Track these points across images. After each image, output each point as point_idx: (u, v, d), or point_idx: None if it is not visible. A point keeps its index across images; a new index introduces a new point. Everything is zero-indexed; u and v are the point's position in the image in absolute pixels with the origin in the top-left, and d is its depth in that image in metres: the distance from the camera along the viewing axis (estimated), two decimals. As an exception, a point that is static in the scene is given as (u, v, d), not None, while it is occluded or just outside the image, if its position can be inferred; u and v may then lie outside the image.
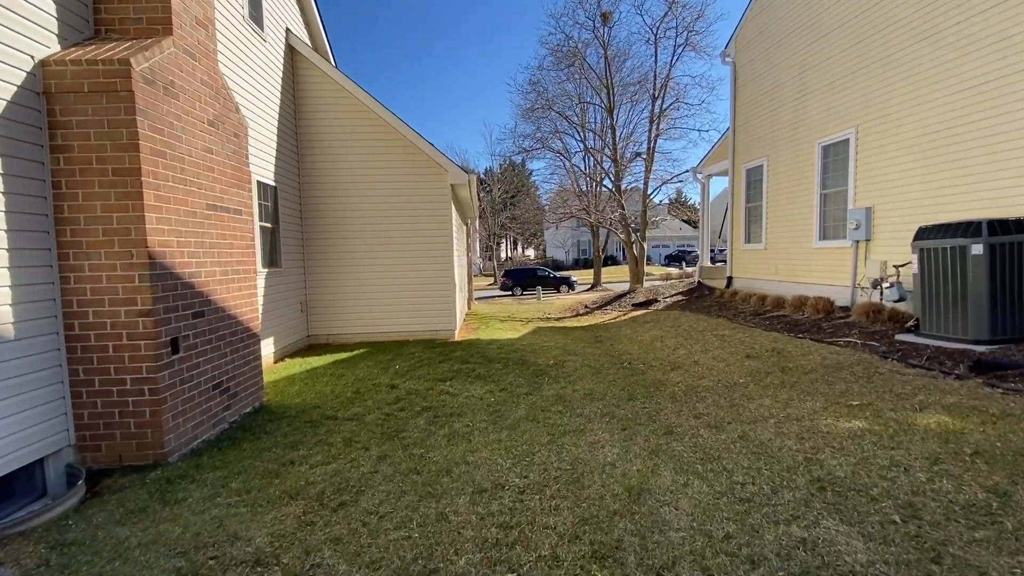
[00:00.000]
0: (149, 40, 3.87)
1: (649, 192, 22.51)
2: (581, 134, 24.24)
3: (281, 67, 8.52)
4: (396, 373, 6.60)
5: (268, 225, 7.76)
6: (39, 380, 3.45)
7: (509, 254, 57.32)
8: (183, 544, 2.72)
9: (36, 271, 3.45)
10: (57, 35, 3.65)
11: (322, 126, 9.20)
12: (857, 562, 2.30)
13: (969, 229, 5.40)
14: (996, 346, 5.19)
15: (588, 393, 5.45)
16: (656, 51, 21.39)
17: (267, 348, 7.52)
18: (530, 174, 48.11)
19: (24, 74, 3.39)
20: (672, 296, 14.29)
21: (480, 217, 39.50)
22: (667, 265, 43.35)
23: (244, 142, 5.11)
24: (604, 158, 23.28)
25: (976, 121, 6.20)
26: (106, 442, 3.71)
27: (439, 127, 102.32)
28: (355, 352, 8.29)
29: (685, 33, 20.71)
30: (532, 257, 58.49)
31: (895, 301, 6.96)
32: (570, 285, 28.39)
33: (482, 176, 46.47)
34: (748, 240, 12.01)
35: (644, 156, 22.37)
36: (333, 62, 10.78)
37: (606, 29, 21.43)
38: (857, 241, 8.09)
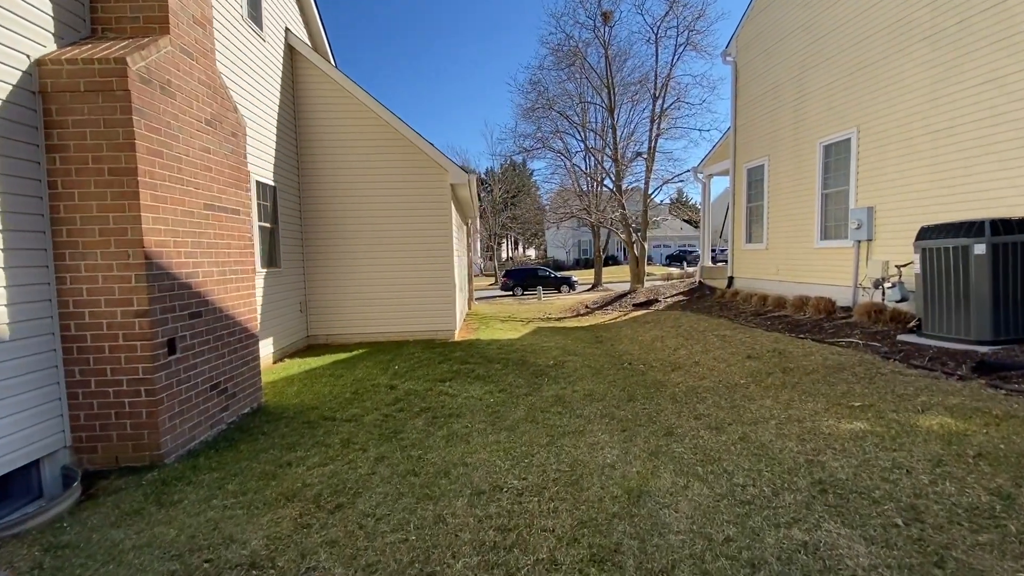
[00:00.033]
0: (146, 39, 3.85)
1: (650, 192, 22.48)
2: (582, 134, 24.21)
3: (280, 67, 8.50)
4: (395, 374, 6.58)
5: (267, 225, 7.74)
6: (35, 381, 3.43)
7: (510, 254, 57.30)
8: (178, 547, 2.70)
9: (32, 271, 3.43)
10: (53, 34, 3.63)
11: (322, 126, 9.18)
12: (859, 566, 2.27)
13: (972, 229, 5.36)
14: (999, 347, 5.16)
15: (588, 394, 5.42)
16: (657, 50, 21.37)
17: (266, 348, 7.50)
18: (531, 174, 48.06)
19: (20, 73, 3.37)
20: (673, 296, 14.25)
21: (481, 217, 39.48)
22: (668, 265, 43.29)
23: (242, 141, 5.09)
24: (605, 158, 23.25)
25: (979, 120, 6.17)
26: (102, 443, 3.69)
27: (439, 127, 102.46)
28: (354, 352, 8.26)
29: (686, 32, 20.70)
30: (533, 257, 58.47)
31: (897, 301, 6.92)
32: (571, 285, 28.35)
33: (483, 176, 46.44)
34: (749, 240, 11.97)
35: (645, 156, 22.33)
36: (333, 61, 10.77)
37: (607, 28, 21.40)
38: (859, 241, 8.05)
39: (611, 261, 47.30)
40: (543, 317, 14.99)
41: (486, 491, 3.21)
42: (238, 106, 6.56)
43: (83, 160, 3.53)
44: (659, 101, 21.43)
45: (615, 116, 22.30)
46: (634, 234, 21.54)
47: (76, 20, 3.82)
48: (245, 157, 5.15)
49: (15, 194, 3.30)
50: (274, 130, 8.14)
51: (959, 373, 4.77)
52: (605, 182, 23.98)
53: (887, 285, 7.16)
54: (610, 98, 21.97)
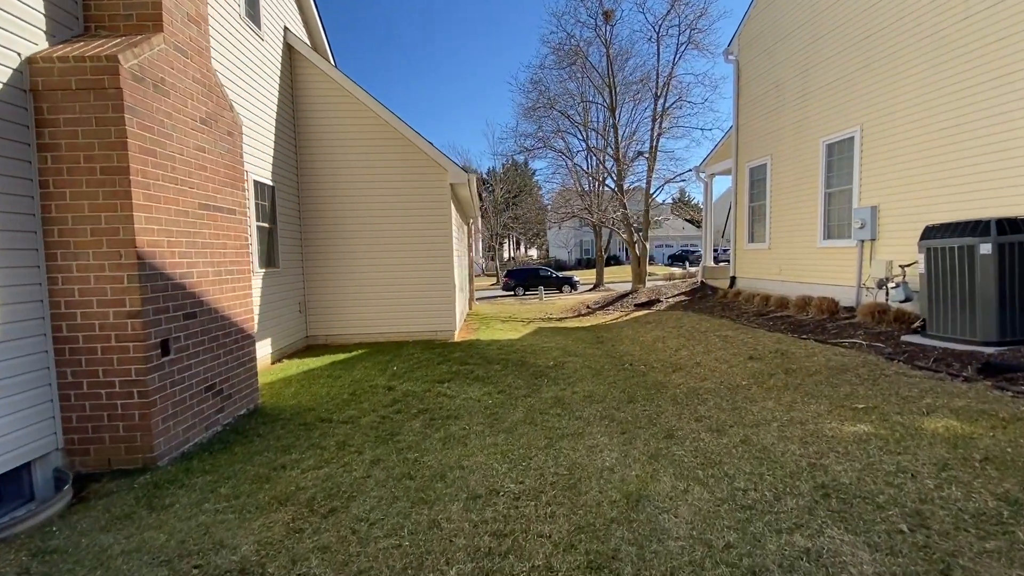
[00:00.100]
0: (139, 37, 3.80)
1: (651, 191, 22.36)
2: (583, 133, 24.11)
3: (279, 66, 8.46)
4: (394, 375, 6.53)
5: (265, 225, 7.70)
6: (27, 383, 3.39)
7: (512, 254, 57.26)
8: (167, 552, 2.65)
9: (23, 272, 3.39)
10: (45, 32, 3.59)
11: (321, 125, 9.13)
12: (863, 574, 2.21)
13: (977, 228, 5.29)
14: (1005, 348, 5.08)
15: (588, 395, 5.36)
16: (659, 49, 21.24)
17: (264, 349, 7.46)
18: (533, 174, 48.03)
19: (11, 71, 3.34)
20: (675, 296, 14.18)
21: (482, 217, 39.45)
22: (670, 265, 43.19)
23: (238, 140, 5.04)
24: (607, 157, 23.15)
25: (986, 118, 6.08)
26: (95, 446, 3.65)
27: (439, 127, 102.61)
28: (353, 353, 8.22)
29: (688, 31, 20.57)
30: (535, 257, 58.43)
31: (901, 301, 6.85)
32: (572, 285, 28.29)
33: (484, 176, 46.40)
34: (751, 240, 11.89)
35: (647, 155, 22.21)
36: (332, 61, 10.72)
37: (608, 27, 21.29)
38: (862, 240, 7.97)
39: (613, 261, 47.20)
40: (544, 317, 14.92)
41: (482, 495, 3.16)
42: (235, 105, 6.53)
43: (75, 159, 3.49)
44: (661, 100, 21.32)
45: (617, 115, 22.19)
46: (636, 234, 21.45)
47: (69, 18, 3.78)
48: (241, 156, 5.10)
49: (6, 193, 3.26)
50: (272, 129, 8.09)
51: (964, 375, 4.70)
52: (607, 181, 23.89)
53: (891, 285, 7.08)
54: (612, 97, 21.87)
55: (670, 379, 5.90)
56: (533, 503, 3.03)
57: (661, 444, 3.86)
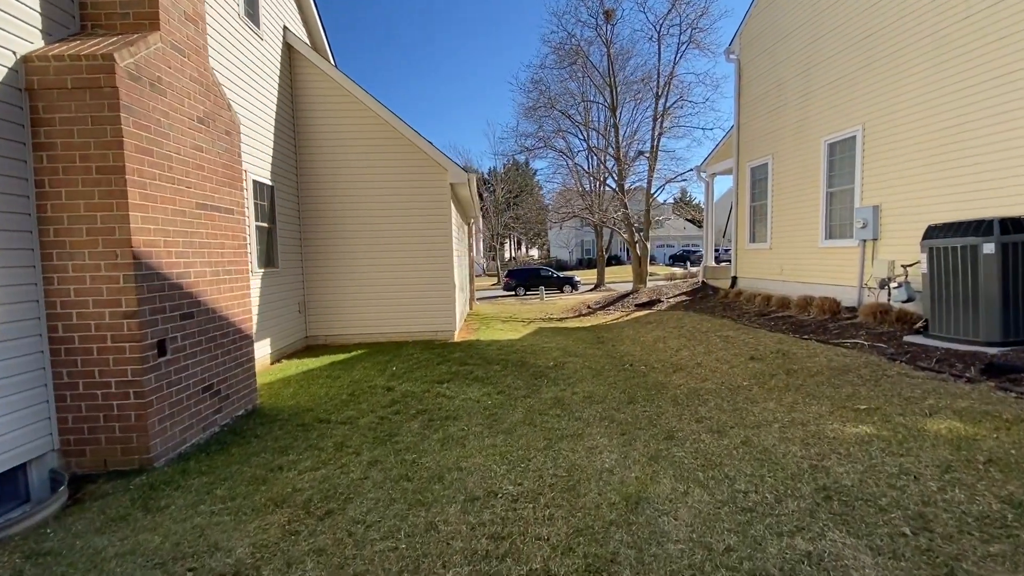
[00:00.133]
0: (135, 35, 3.78)
1: (652, 191, 22.31)
2: (584, 133, 24.07)
3: (278, 65, 8.44)
4: (393, 375, 6.50)
5: (264, 225, 7.67)
6: (22, 383, 3.37)
7: (513, 254, 57.24)
8: (161, 555, 2.63)
9: (19, 271, 3.37)
10: (41, 30, 3.57)
11: (320, 125, 9.11)
12: (865, 579, 2.18)
13: (980, 228, 5.25)
14: (1009, 348, 5.04)
15: (588, 396, 5.33)
16: (659, 48, 21.19)
17: (263, 349, 7.44)
18: (534, 173, 48.03)
19: (6, 70, 3.32)
20: (676, 296, 14.14)
21: (483, 217, 39.42)
22: (671, 265, 43.13)
23: (236, 140, 5.02)
24: (607, 157, 23.11)
25: (989, 117, 6.03)
26: (91, 447, 3.63)
27: (439, 126, 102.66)
28: (353, 353, 8.19)
29: (689, 30, 20.51)
30: (536, 257, 58.38)
31: (903, 302, 6.80)
32: (573, 285, 28.25)
33: (485, 176, 46.38)
34: (753, 240, 11.85)
35: (648, 155, 22.16)
36: (332, 61, 10.70)
37: (609, 27, 21.24)
38: (864, 240, 7.92)
39: (614, 261, 47.15)
40: (545, 317, 14.89)
41: (480, 497, 3.13)
42: (234, 104, 6.51)
43: (70, 158, 3.47)
44: (662, 99, 21.26)
45: (618, 115, 22.15)
46: (636, 234, 21.39)
47: (65, 16, 3.76)
48: (240, 155, 5.08)
49: (1, 193, 3.24)
50: (272, 129, 8.07)
51: (967, 375, 4.66)
52: (608, 181, 23.85)
53: (893, 285, 7.04)
54: (612, 97, 21.83)
55: (671, 380, 5.86)
56: (531, 505, 3.00)
57: (661, 445, 3.83)
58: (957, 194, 6.44)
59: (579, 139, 24.49)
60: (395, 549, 2.61)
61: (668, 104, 21.41)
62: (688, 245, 51.49)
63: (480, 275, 44.74)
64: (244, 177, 6.94)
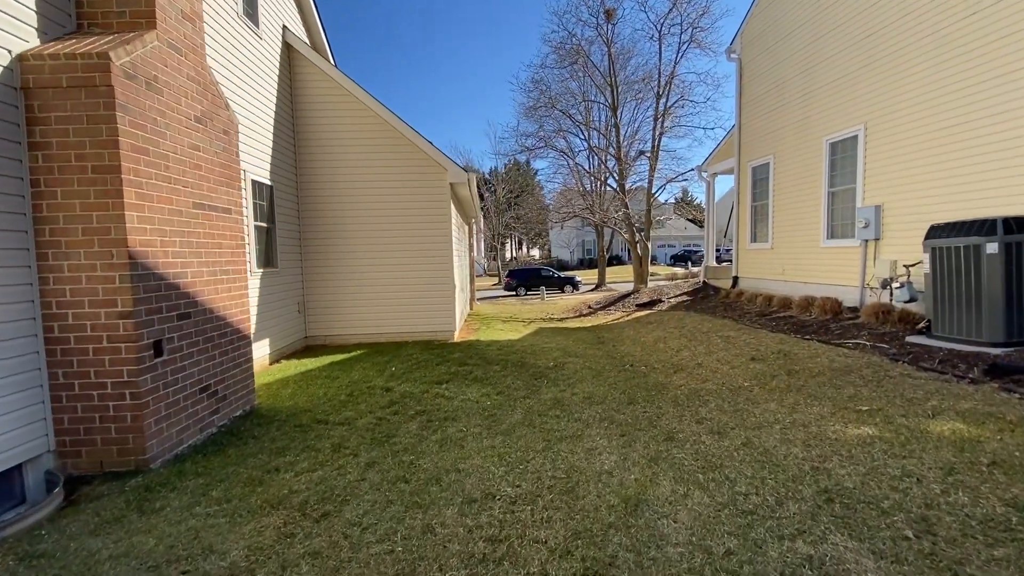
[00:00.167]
0: (131, 34, 3.76)
1: (653, 191, 22.24)
2: (585, 132, 24.02)
3: (277, 65, 8.42)
4: (392, 375, 6.48)
5: (263, 225, 7.65)
6: (18, 384, 3.35)
7: (514, 254, 57.21)
8: (155, 557, 2.60)
9: (14, 271, 3.35)
10: (37, 29, 3.54)
11: (320, 125, 9.09)
12: (867, 583, 2.14)
13: (984, 227, 5.20)
14: (1012, 349, 4.99)
15: (587, 396, 5.30)
16: (660, 48, 21.12)
17: (262, 350, 7.42)
18: (535, 173, 47.98)
19: (1, 69, 3.29)
20: (677, 296, 14.10)
21: (484, 217, 39.40)
22: (673, 265, 43.06)
23: (234, 139, 4.99)
24: (608, 157, 23.06)
25: (992, 116, 5.99)
26: (87, 448, 3.60)
27: (439, 127, 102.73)
28: (352, 354, 8.17)
29: (690, 30, 20.44)
30: (537, 257, 58.34)
31: (906, 302, 6.76)
32: (574, 285, 28.22)
33: (486, 176, 46.36)
34: (754, 239, 11.80)
35: (648, 155, 22.11)
36: (332, 60, 10.68)
37: (610, 26, 21.19)
38: (866, 240, 7.88)
39: (615, 261, 47.10)
40: (545, 317, 14.86)
41: (478, 499, 3.10)
42: (232, 104, 6.50)
43: (66, 158, 3.44)
44: (663, 99, 21.20)
45: (618, 115, 22.09)
46: (637, 234, 21.34)
47: (61, 15, 3.74)
48: (238, 155, 5.06)
49: (-5, 192, 3.22)
50: (271, 129, 8.05)
51: (971, 376, 4.61)
52: (608, 181, 23.81)
53: (895, 285, 6.99)
54: (613, 96, 21.78)
55: (671, 380, 5.83)
56: (529, 507, 2.97)
57: (661, 447, 3.80)
58: (960, 193, 6.39)
59: (580, 139, 24.46)
60: (391, 552, 2.58)
61: (669, 104, 21.36)
62: (689, 245, 51.41)
63: (481, 275, 44.72)
64: (243, 177, 6.92)
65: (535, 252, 61.03)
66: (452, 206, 9.84)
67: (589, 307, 16.29)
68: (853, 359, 5.57)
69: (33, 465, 3.47)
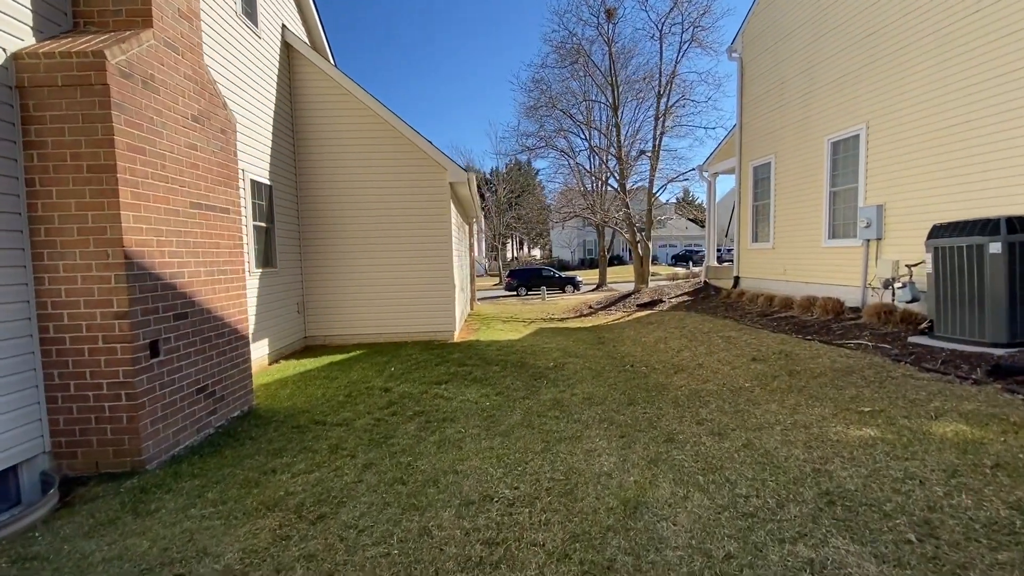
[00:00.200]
0: (127, 32, 3.74)
1: (654, 191, 22.22)
2: (586, 132, 23.99)
3: (277, 64, 8.40)
4: (391, 376, 6.45)
5: (262, 224, 7.63)
6: (13, 384, 3.32)
7: (515, 254, 57.19)
8: (149, 560, 2.57)
9: (9, 271, 3.32)
10: (32, 27, 3.52)
11: (319, 124, 9.07)
12: (869, 588, 2.11)
13: (987, 227, 5.16)
14: (1015, 349, 4.95)
15: (587, 397, 5.26)
16: (661, 47, 21.10)
17: (261, 350, 7.39)
18: (536, 173, 47.95)
19: (-4, 67, 3.27)
20: (678, 296, 14.06)
21: (485, 217, 39.37)
22: (674, 265, 43.01)
23: (232, 139, 4.97)
24: (609, 156, 23.03)
25: (995, 115, 5.94)
26: (82, 449, 3.58)
27: (439, 126, 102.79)
28: (351, 354, 8.15)
29: (691, 29, 20.41)
30: (538, 257, 58.31)
31: (908, 302, 6.72)
32: (575, 285, 28.18)
33: (487, 176, 46.35)
34: (755, 239, 11.76)
35: (649, 154, 22.08)
36: (332, 60, 10.66)
37: (611, 25, 21.16)
38: (868, 240, 7.84)
39: (616, 261, 47.04)
40: (546, 317, 14.83)
41: (475, 501, 3.07)
42: (230, 103, 6.48)
43: (61, 157, 3.42)
44: (664, 99, 21.17)
45: (619, 114, 22.06)
46: (638, 234, 21.29)
47: (56, 14, 3.71)
48: (235, 154, 5.03)
49: (-10, 192, 3.20)
50: (270, 128, 8.03)
51: (973, 377, 4.58)
52: (609, 181, 23.78)
53: (897, 285, 6.95)
54: (614, 96, 21.74)
55: (671, 381, 5.79)
56: (527, 510, 2.94)
57: (661, 448, 3.76)
58: (963, 193, 6.35)
59: (581, 138, 24.43)
60: (387, 555, 2.55)
61: (670, 103, 21.33)
62: (691, 245, 51.35)
63: (482, 275, 44.70)
64: (241, 176, 6.90)
65: (536, 252, 61.00)
66: (452, 206, 9.81)
67: (590, 307, 16.25)
68: (855, 360, 5.53)
69: (28, 466, 3.44)
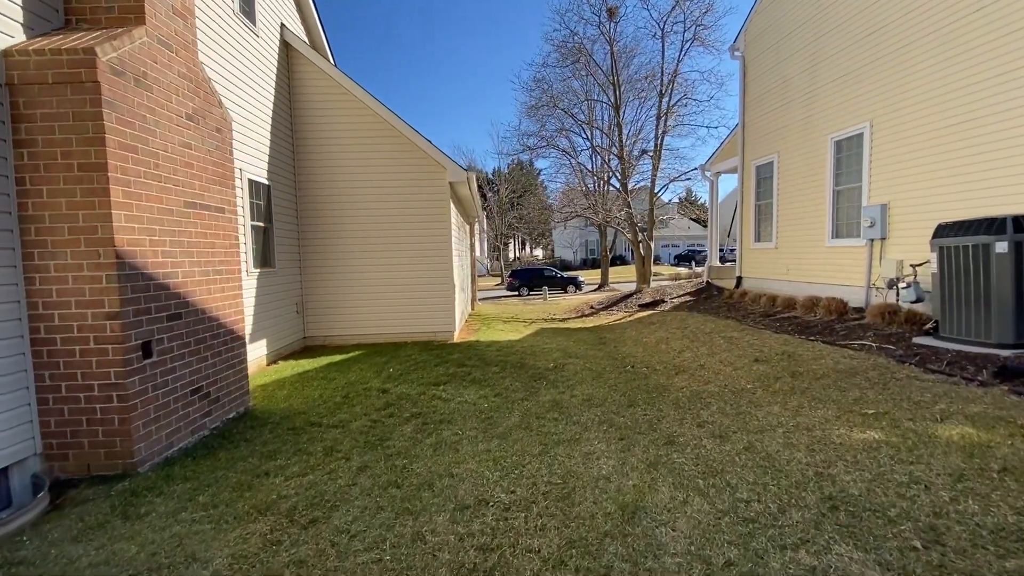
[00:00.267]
0: (119, 30, 3.69)
1: (656, 190, 22.15)
2: (588, 132, 23.92)
3: (275, 63, 8.36)
4: (389, 377, 6.40)
5: (261, 224, 7.59)
6: (4, 386, 3.28)
7: (517, 254, 57.13)
8: (136, 565, 2.52)
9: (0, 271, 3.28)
10: (23, 24, 3.48)
11: (318, 123, 9.02)
12: (874, 598, 2.04)
13: (993, 226, 5.08)
14: (1022, 350, 4.87)
15: (587, 399, 5.20)
16: (663, 46, 21.07)
17: (259, 350, 7.35)
18: (538, 173, 47.87)
19: (-15, 65, 3.23)
20: (680, 296, 13.97)
21: (487, 217, 39.33)
22: (677, 265, 42.91)
23: (228, 137, 4.92)
24: (611, 156, 22.96)
25: (1000, 112, 5.86)
26: (74, 451, 3.54)
27: (439, 126, 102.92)
28: (350, 354, 8.10)
29: (693, 27, 20.35)
30: (540, 257, 58.25)
31: (912, 302, 6.63)
32: (577, 285, 28.11)
33: (489, 176, 46.30)
34: (758, 239, 11.67)
35: (651, 154, 22.01)
36: (332, 60, 10.62)
37: (612, 24, 21.11)
38: (872, 239, 7.75)
39: (619, 261, 46.93)
40: (547, 318, 14.76)
41: (471, 505, 3.01)
42: (228, 102, 6.44)
43: (52, 155, 3.38)
44: (666, 98, 21.11)
45: (621, 113, 21.99)
46: (640, 234, 21.23)
47: (48, 11, 3.67)
48: (231, 153, 4.98)
49: (-21, 191, 3.16)
50: (268, 127, 7.99)
51: (979, 378, 4.50)
52: (611, 181, 23.70)
53: (902, 285, 6.87)
54: (616, 95, 21.67)
55: (672, 382, 5.73)
56: (523, 514, 2.88)
57: (661, 451, 3.70)
58: (968, 192, 6.26)
59: (583, 138, 24.38)
60: (379, 561, 2.49)
61: (672, 102, 21.26)
62: (693, 245, 51.22)
63: (484, 275, 44.66)
64: (238, 176, 6.86)
65: (538, 252, 60.94)
66: (452, 205, 9.76)
67: (591, 307, 16.18)
68: (858, 361, 5.45)
69: (19, 468, 3.40)
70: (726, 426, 4.11)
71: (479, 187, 11.35)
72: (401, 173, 9.10)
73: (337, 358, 7.82)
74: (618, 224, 22.60)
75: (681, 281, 18.49)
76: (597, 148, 23.84)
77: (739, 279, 12.35)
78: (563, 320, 14.08)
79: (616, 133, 22.21)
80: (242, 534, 2.78)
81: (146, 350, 3.70)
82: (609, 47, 21.31)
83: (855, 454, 3.32)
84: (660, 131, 21.37)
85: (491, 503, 3.03)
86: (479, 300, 20.51)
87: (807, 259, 9.61)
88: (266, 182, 7.77)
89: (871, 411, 4.03)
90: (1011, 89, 5.70)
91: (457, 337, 9.89)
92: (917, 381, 4.61)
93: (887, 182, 7.59)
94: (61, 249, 3.41)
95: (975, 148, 6.17)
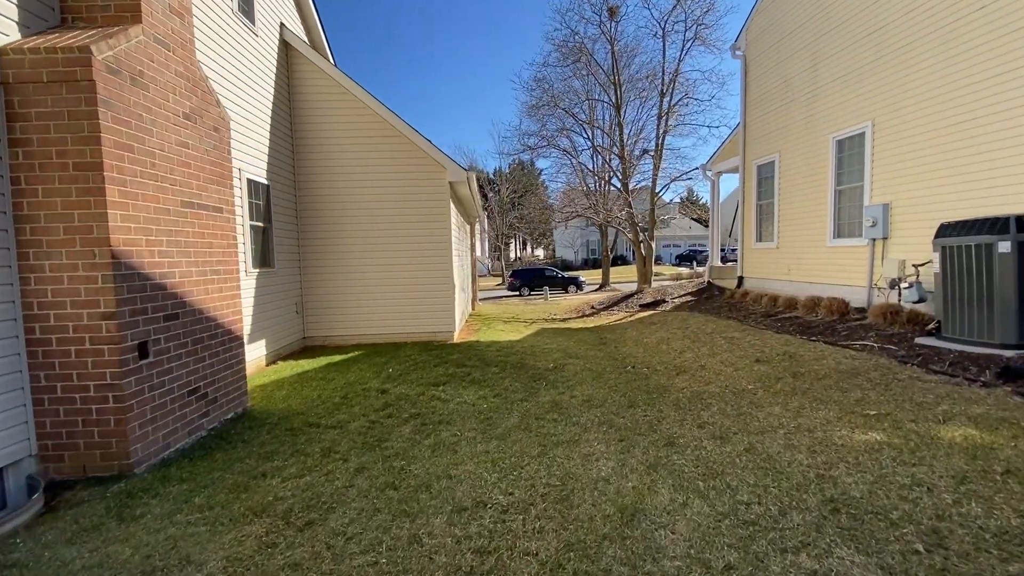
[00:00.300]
0: (115, 28, 3.67)
1: (657, 190, 22.10)
2: (588, 132, 23.87)
3: (275, 63, 8.34)
4: (388, 377, 6.37)
5: (260, 224, 7.57)
6: (-1, 386, 3.26)
7: (518, 254, 57.10)
8: (130, 568, 2.50)
9: (-6, 272, 3.26)
10: (18, 23, 3.46)
11: (318, 123, 9.00)
12: (876, 603, 2.01)
13: (996, 225, 5.04)
14: (1025, 350, 4.83)
15: (587, 399, 5.17)
16: (664, 46, 21.04)
17: (258, 351, 7.33)
18: (539, 173, 47.84)
19: (-20, 63, 3.21)
20: (681, 296, 13.94)
21: (488, 217, 39.31)
22: (678, 265, 42.83)
23: (226, 137, 4.90)
24: (612, 156, 22.91)
25: (1002, 112, 5.82)
26: (69, 452, 3.51)
27: (439, 126, 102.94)
28: (349, 355, 8.07)
29: (694, 27, 20.29)
30: (541, 257, 58.21)
31: (914, 302, 6.59)
32: (578, 285, 28.05)
33: (490, 176, 46.28)
34: (760, 239, 11.63)
35: (652, 153, 21.96)
36: (332, 60, 10.59)
37: (613, 24, 21.05)
38: (874, 239, 7.71)
39: (620, 261, 46.88)
40: (547, 318, 14.73)
41: (468, 507, 2.98)
42: (226, 101, 6.42)
43: (47, 154, 3.36)
44: (667, 97, 21.05)
45: (622, 113, 21.94)
46: (641, 233, 21.18)
47: (44, 9, 3.65)
48: (229, 152, 4.96)
49: (-27, 190, 3.14)
50: (267, 127, 7.97)
51: (982, 379, 4.46)
52: (612, 180, 23.66)
53: (904, 285, 6.83)
54: (617, 95, 21.62)
55: (673, 383, 5.69)
56: (521, 517, 2.85)
57: (661, 452, 3.67)
58: (971, 191, 6.22)
59: (583, 138, 24.33)
60: (375, 564, 2.47)
61: (673, 102, 21.21)
62: (695, 245, 51.13)
63: (484, 275, 44.64)
64: (237, 175, 6.84)
65: (539, 252, 60.91)
66: (452, 205, 9.73)
67: (592, 307, 16.15)
68: (860, 361, 5.42)
69: (15, 470, 3.38)
70: (727, 427, 4.08)
71: (480, 187, 11.34)
72: (401, 173, 9.08)
73: (336, 358, 7.80)
74: (619, 224, 22.56)
75: (682, 281, 18.44)
76: (598, 148, 23.80)
77: (740, 279, 12.32)
78: (564, 320, 14.04)
79: (617, 133, 22.17)
80: (237, 536, 2.76)
81: (142, 351, 3.68)
82: (610, 46, 21.26)
83: (857, 456, 3.28)
84: (661, 131, 21.34)
85: (489, 505, 3.00)
86: (480, 300, 20.48)
87: (808, 259, 9.57)
88: (265, 182, 7.75)
89: (873, 412, 4.00)
90: (1013, 88, 5.66)
91: (457, 337, 9.87)
92: (919, 382, 4.57)
93: (889, 181, 7.55)
94: (56, 249, 3.39)
95: (977, 147, 6.13)
